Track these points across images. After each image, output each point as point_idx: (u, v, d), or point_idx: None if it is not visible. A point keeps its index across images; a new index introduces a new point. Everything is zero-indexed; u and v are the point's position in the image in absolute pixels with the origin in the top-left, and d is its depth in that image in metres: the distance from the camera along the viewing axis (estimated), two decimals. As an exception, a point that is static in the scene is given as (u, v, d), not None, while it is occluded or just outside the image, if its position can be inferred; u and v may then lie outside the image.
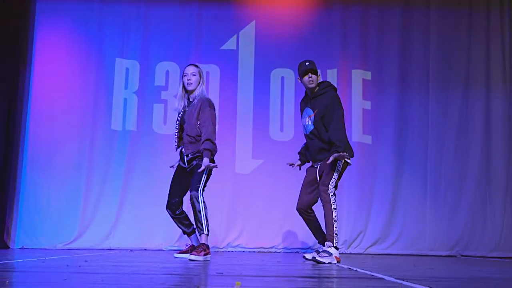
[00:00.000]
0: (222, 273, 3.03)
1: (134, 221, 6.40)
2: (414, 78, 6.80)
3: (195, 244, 4.79)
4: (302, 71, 4.65)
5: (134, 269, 3.21)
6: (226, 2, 6.87)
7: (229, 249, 6.45)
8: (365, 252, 6.51)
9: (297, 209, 4.71)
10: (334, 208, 4.40)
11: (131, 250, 6.11)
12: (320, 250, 4.42)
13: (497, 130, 6.75)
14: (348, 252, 6.51)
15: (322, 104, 4.59)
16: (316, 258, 4.26)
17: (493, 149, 6.72)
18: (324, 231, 4.53)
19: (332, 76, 6.74)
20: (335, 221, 4.38)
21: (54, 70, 6.64)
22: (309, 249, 6.50)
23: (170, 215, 4.85)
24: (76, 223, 6.34)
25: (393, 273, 3.27)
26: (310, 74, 4.61)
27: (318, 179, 4.59)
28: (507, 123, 6.77)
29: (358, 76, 6.79)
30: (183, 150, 4.74)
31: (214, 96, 6.74)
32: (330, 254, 4.30)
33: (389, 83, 6.81)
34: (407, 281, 2.62)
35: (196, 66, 4.80)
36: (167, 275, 2.88)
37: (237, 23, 6.84)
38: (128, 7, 6.77)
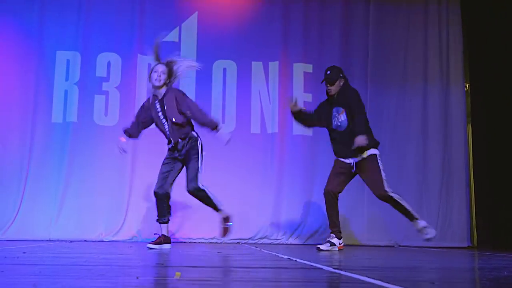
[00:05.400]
0: (163, 263, 3.02)
1: (74, 212, 6.39)
2: (353, 72, 6.82)
3: (165, 234, 4.95)
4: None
5: (73, 260, 3.17)
6: (169, -6, 6.88)
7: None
8: (305, 243, 6.61)
9: (324, 192, 5.00)
10: (400, 199, 4.84)
11: (71, 241, 6.12)
12: None
13: (433, 124, 6.89)
14: (288, 242, 6.60)
15: (346, 102, 4.90)
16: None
17: (430, 143, 6.87)
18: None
19: (273, 69, 6.81)
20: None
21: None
22: (250, 239, 6.59)
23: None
24: (16, 215, 6.30)
25: (331, 263, 3.31)
26: (328, 86, 4.97)
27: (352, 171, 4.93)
28: (444, 118, 6.91)
29: (300, 69, 6.85)
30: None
31: (156, 88, 6.78)
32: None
33: (330, 76, 6.86)
34: (345, 271, 2.66)
35: (165, 65, 4.89)
36: (106, 266, 2.83)
37: (179, 15, 6.85)
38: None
